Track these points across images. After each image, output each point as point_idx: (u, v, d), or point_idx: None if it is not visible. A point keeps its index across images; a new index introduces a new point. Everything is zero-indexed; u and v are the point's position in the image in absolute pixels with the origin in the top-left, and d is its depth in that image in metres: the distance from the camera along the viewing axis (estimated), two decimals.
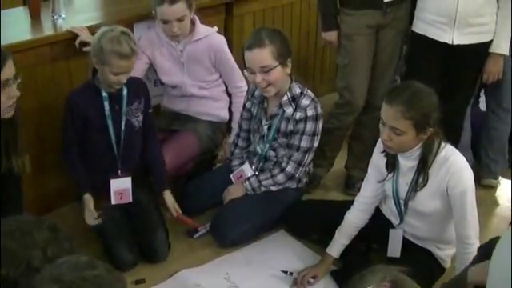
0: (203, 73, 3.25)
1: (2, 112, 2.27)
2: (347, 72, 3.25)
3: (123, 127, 2.87)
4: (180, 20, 3.04)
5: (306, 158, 2.99)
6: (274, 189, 3.06)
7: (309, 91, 2.98)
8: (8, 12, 3.26)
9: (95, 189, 2.90)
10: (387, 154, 2.59)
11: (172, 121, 3.37)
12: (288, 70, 2.90)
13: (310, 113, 2.91)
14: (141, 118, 2.93)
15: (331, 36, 3.24)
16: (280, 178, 3.03)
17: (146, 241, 2.91)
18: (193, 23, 3.16)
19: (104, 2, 3.59)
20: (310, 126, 2.92)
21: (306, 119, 2.91)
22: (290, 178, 3.04)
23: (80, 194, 2.86)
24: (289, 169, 3.00)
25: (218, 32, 3.26)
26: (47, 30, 3.09)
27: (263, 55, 2.81)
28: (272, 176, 3.03)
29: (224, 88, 3.37)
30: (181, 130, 3.31)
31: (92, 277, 1.33)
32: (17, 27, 3.09)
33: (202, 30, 3.19)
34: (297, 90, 2.94)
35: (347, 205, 2.82)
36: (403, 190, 2.60)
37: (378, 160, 2.68)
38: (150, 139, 3.02)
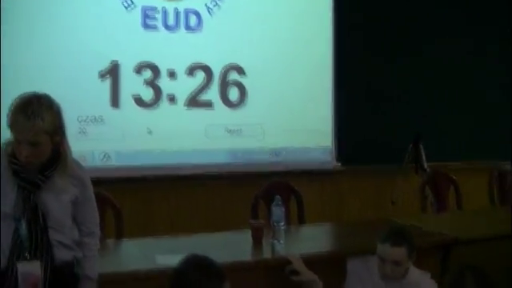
0: None
1: None
2: None
3: None
4: (398, 264, 3.04)
5: None
6: None
7: None
8: (235, 233, 3.62)
9: None
10: None
11: None
12: None
13: None
14: None
15: None
16: None
17: None
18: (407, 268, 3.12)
19: (322, 234, 3.76)
20: None
21: None
22: None
23: None
24: None
25: (431, 278, 3.16)
26: (265, 254, 3.29)
27: None
28: None
29: None
30: None
31: None
32: (239, 247, 3.35)
33: (414, 275, 3.12)
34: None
35: None
36: None
37: None
38: None
